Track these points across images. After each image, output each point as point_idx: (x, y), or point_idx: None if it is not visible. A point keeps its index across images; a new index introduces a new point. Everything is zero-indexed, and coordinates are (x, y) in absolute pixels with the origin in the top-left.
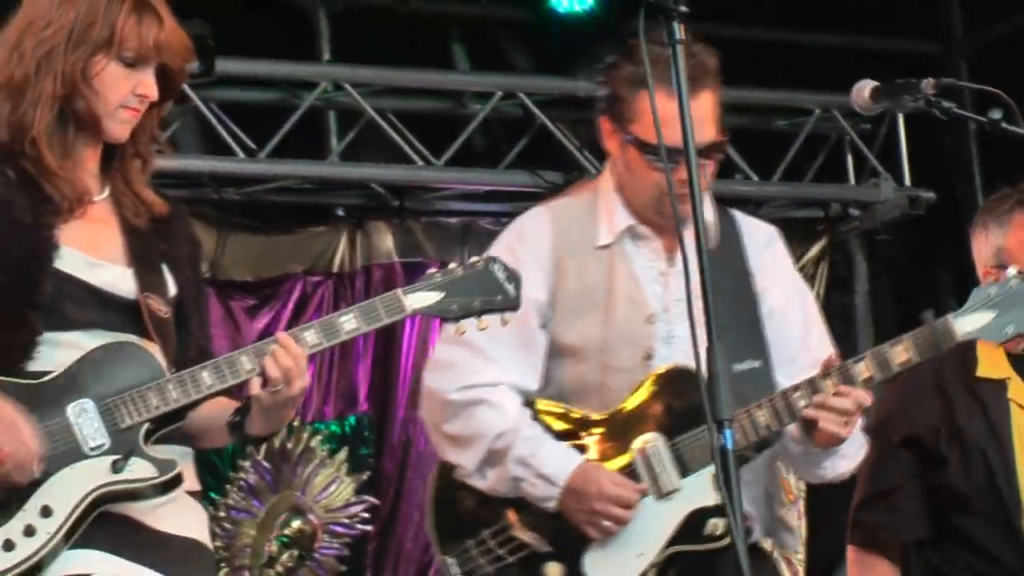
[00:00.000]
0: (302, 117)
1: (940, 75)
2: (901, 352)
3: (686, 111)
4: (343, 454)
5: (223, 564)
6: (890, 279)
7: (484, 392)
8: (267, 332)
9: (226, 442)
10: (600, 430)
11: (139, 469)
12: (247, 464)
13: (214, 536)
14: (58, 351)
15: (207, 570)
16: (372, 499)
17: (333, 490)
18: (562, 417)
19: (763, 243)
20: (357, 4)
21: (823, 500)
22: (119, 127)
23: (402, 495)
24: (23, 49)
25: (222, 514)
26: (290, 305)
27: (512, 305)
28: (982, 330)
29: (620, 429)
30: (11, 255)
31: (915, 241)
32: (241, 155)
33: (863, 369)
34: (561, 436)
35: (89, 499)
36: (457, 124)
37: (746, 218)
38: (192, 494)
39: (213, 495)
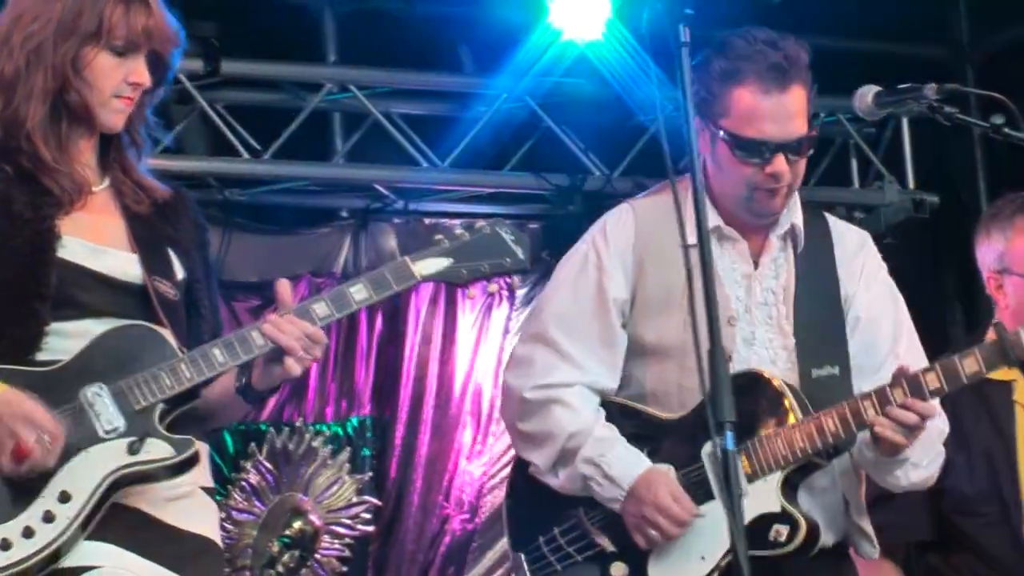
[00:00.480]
0: (307, 119)
1: (947, 80)
2: (972, 363)
3: (690, 117)
4: (345, 455)
5: (225, 565)
6: (895, 282)
7: (559, 392)
8: None
9: (243, 410)
10: (672, 432)
11: (156, 450)
12: (249, 465)
13: None
14: (68, 341)
15: (216, 569)
16: (374, 500)
17: (335, 491)
18: (635, 417)
19: (854, 248)
20: (363, 6)
21: None
22: (113, 117)
23: (404, 496)
24: (12, 44)
25: (223, 515)
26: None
27: (521, 267)
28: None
29: (691, 432)
30: (14, 250)
31: (920, 245)
32: (246, 156)
33: (932, 380)
34: (633, 437)
35: (107, 483)
36: (462, 126)
37: (838, 222)
38: (206, 490)
39: (215, 495)
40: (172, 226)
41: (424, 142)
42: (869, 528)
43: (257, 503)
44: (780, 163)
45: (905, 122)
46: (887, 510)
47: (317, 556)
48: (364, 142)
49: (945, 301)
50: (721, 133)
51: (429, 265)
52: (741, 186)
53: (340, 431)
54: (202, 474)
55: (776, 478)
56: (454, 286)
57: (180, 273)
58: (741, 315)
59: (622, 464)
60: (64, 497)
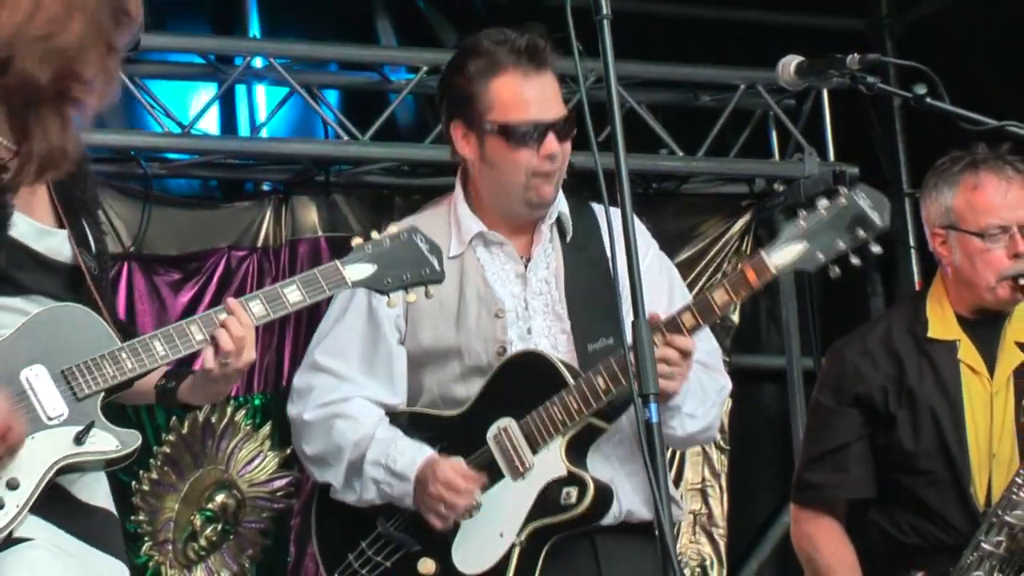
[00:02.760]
0: (228, 91)
1: (866, 52)
2: (721, 295)
3: (613, 86)
4: (267, 428)
5: (147, 538)
6: None
7: (339, 407)
8: (192, 306)
9: (149, 402)
10: (458, 426)
11: (102, 442)
12: (171, 438)
13: (138, 510)
14: (2, 315)
15: (120, 539)
16: (296, 473)
17: (257, 464)
18: (423, 422)
19: (619, 230)
20: None
21: (746, 468)
22: None
23: None
24: None
25: (146, 488)
26: (215, 279)
27: (437, 278)
28: (795, 261)
29: (476, 421)
30: None
31: None
32: (167, 129)
33: (688, 318)
34: (425, 440)
35: (53, 470)
36: (383, 99)
37: (602, 208)
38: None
39: (136, 468)
40: (80, 188)
41: (345, 115)
42: (672, 490)
43: (179, 476)
44: (552, 143)
45: (825, 94)
46: (828, 468)
47: (239, 529)
48: (285, 115)
49: (865, 272)
50: (489, 127)
51: (358, 271)
52: (520, 175)
53: (263, 404)
54: None
55: (558, 444)
56: (379, 293)
57: (94, 243)
58: (519, 312)
59: (404, 458)
60: (12, 484)
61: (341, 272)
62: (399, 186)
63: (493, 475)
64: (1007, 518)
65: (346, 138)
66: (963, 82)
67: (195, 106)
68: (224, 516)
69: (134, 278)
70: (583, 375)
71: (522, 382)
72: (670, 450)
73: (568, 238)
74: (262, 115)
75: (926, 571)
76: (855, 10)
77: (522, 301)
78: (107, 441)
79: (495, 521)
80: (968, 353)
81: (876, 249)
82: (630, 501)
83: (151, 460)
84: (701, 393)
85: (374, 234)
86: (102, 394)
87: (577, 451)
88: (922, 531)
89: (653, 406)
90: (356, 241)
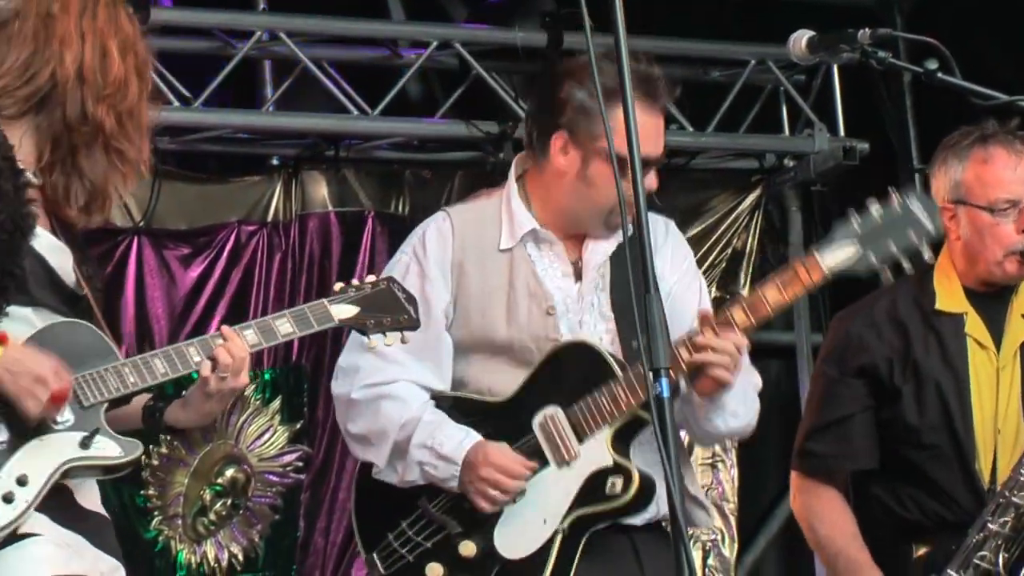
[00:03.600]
0: (237, 66)
1: (876, 27)
2: (774, 293)
3: (625, 64)
4: (277, 403)
5: (156, 512)
6: (824, 229)
7: (386, 388)
8: (201, 281)
9: (136, 426)
10: (503, 413)
11: (106, 448)
12: None
13: (147, 485)
14: (12, 324)
15: (115, 542)
16: (306, 448)
17: (266, 439)
18: (467, 406)
19: (661, 236)
20: None
21: (756, 443)
22: None
23: (335, 445)
24: None
25: (155, 463)
26: (224, 254)
27: (413, 326)
28: (847, 261)
29: (521, 408)
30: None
31: (849, 192)
32: (176, 104)
33: (739, 315)
34: (469, 425)
35: (60, 471)
36: (392, 74)
37: (658, 217)
38: None
39: (146, 443)
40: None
41: (354, 90)
42: (701, 495)
43: (188, 451)
44: (652, 180)
45: (835, 69)
46: (831, 438)
47: (249, 504)
48: (294, 89)
49: None
50: (601, 150)
51: (344, 310)
52: (612, 200)
53: (272, 379)
54: None
55: (605, 434)
56: (360, 334)
57: (86, 269)
58: (570, 306)
59: (452, 441)
60: (22, 480)
61: (328, 310)
62: (408, 161)
63: (540, 462)
64: (1015, 499)
65: (356, 113)
66: (971, 57)
67: (203, 81)
68: (234, 491)
69: (144, 253)
70: (631, 366)
71: (570, 371)
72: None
73: (620, 241)
74: (271, 90)
75: (929, 547)
76: None
77: (572, 295)
78: (111, 448)
79: (539, 508)
80: (975, 327)
81: (928, 255)
82: (665, 504)
83: (161, 435)
84: (742, 392)
85: (354, 281)
86: (106, 404)
87: (623, 442)
88: (925, 507)
89: (663, 381)
90: (338, 285)
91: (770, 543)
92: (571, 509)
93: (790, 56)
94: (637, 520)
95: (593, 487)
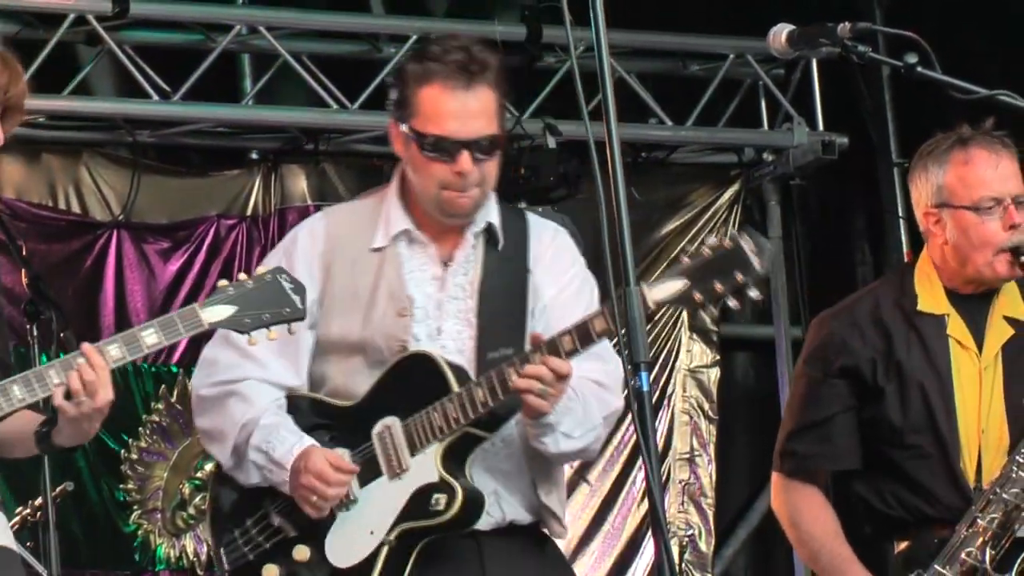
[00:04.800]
0: (217, 60)
1: (856, 21)
2: (600, 323)
3: (605, 57)
4: None
5: (136, 507)
6: (804, 224)
7: (233, 386)
8: (181, 275)
9: (34, 453)
10: (349, 418)
11: None
12: (160, 407)
13: (127, 479)
14: None
15: (17, 571)
16: None
17: None
18: (321, 408)
19: (547, 243)
20: None
21: (734, 438)
22: None
23: None
24: None
25: (135, 456)
26: (204, 248)
27: (298, 316)
28: (672, 296)
29: (366, 415)
30: None
31: (828, 186)
32: (155, 98)
33: (567, 342)
34: (319, 427)
35: None
36: (372, 68)
37: (536, 218)
38: None
39: (126, 437)
40: None
41: (334, 84)
42: (556, 507)
43: (168, 445)
44: (465, 161)
45: (814, 63)
46: (813, 438)
47: None
48: (273, 83)
49: (854, 242)
50: (410, 132)
51: (217, 312)
52: (432, 185)
53: None
54: None
55: (434, 449)
56: (239, 333)
57: None
58: (430, 311)
59: (284, 446)
60: None
61: (198, 314)
62: (388, 155)
63: (374, 472)
64: (1004, 495)
65: (335, 107)
66: (951, 51)
67: (183, 74)
68: None
69: (123, 247)
70: (467, 384)
71: (411, 382)
72: (664, 422)
73: (498, 247)
74: (250, 84)
75: (910, 542)
76: None
77: (434, 302)
78: None
79: (368, 518)
80: (957, 328)
81: (754, 294)
82: (514, 511)
83: (140, 429)
84: (583, 415)
85: (241, 276)
86: None
87: (455, 458)
88: (907, 504)
89: (644, 375)
90: (221, 283)
91: (749, 535)
92: (397, 522)
93: (769, 50)
94: (481, 526)
95: (418, 502)
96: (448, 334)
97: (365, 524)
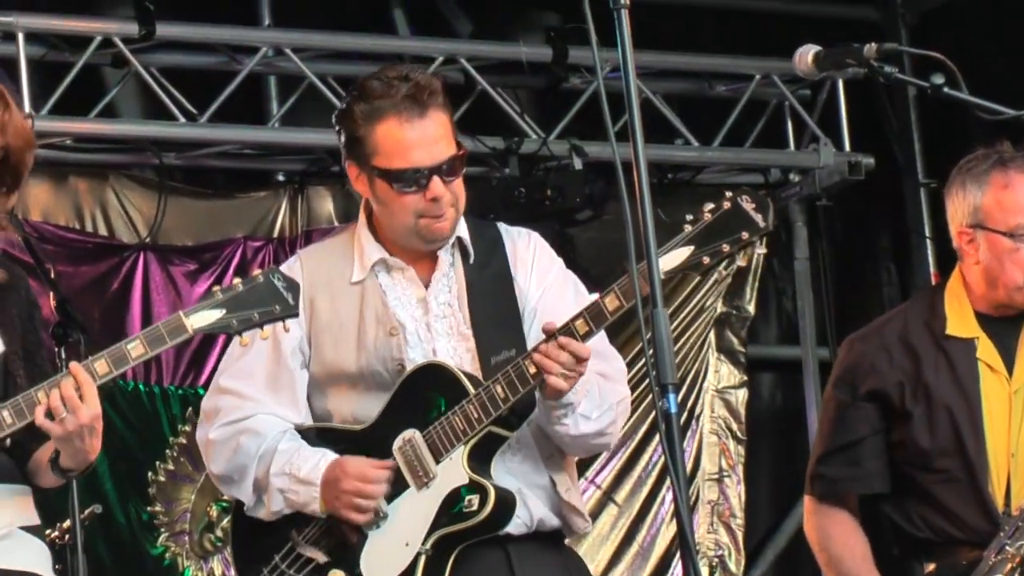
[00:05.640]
0: (243, 82)
1: (880, 41)
2: (612, 300)
3: (631, 77)
4: None
5: (163, 529)
6: (830, 244)
7: (243, 424)
8: None
9: (55, 482)
10: (364, 440)
11: None
12: (187, 429)
13: (154, 501)
14: None
15: None
16: None
17: None
18: (330, 435)
19: (523, 248)
20: None
21: (762, 458)
22: None
23: None
24: None
25: (162, 479)
26: (231, 270)
27: (291, 313)
28: (682, 264)
29: (382, 433)
30: None
31: (855, 206)
32: (182, 120)
33: (580, 325)
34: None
35: None
36: None
37: (510, 228)
38: (31, 529)
39: (154, 459)
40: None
41: None
42: (577, 502)
43: (195, 467)
44: (437, 186)
45: (841, 83)
46: (842, 462)
47: None
48: (299, 105)
49: (880, 262)
50: (376, 172)
51: (202, 318)
52: (408, 216)
53: None
54: (18, 516)
55: (460, 452)
56: (228, 335)
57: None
58: (421, 334)
59: (308, 464)
60: None
61: (183, 321)
62: None
63: (399, 486)
64: None
65: None
66: (976, 71)
67: (209, 96)
68: None
69: (150, 269)
70: (483, 384)
71: (425, 394)
72: (692, 442)
73: (471, 259)
74: (276, 105)
75: (937, 563)
76: None
77: (423, 324)
78: None
79: (401, 531)
80: (986, 351)
81: (761, 250)
82: (540, 510)
83: (167, 451)
84: (599, 397)
85: (236, 280)
86: None
87: (480, 459)
88: (934, 526)
89: (671, 396)
90: (214, 288)
91: (778, 556)
92: (432, 530)
93: (795, 71)
94: (511, 530)
95: (451, 506)
96: (444, 353)
97: (399, 537)
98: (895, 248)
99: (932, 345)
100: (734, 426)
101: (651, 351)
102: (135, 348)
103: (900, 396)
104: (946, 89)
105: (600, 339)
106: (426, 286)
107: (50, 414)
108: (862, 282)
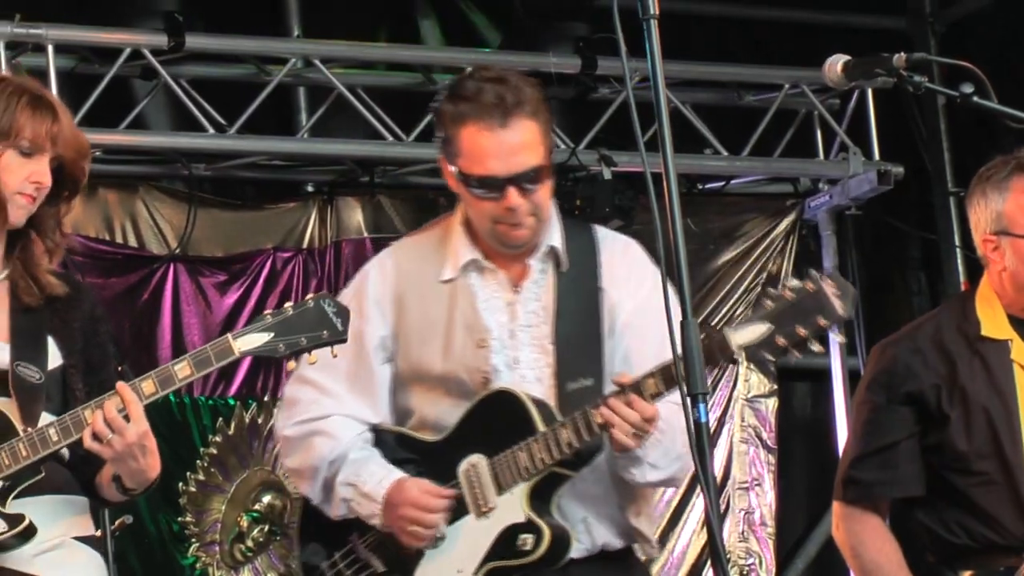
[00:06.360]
0: (272, 93)
1: (909, 51)
2: (651, 385)
3: (660, 88)
4: None
5: (194, 539)
6: (859, 253)
7: (318, 424)
8: (237, 308)
9: (121, 498)
10: (435, 454)
11: None
12: (218, 439)
13: (184, 511)
14: None
15: None
16: None
17: None
18: (407, 443)
19: (619, 257)
20: None
21: (792, 467)
22: (16, 212)
23: None
24: None
25: (193, 489)
26: (260, 281)
27: (339, 338)
28: (756, 340)
29: (451, 453)
30: None
31: (884, 215)
32: (211, 131)
33: (650, 384)
34: (405, 462)
35: None
36: (427, 100)
37: (607, 233)
38: (86, 539)
39: (184, 470)
40: (60, 317)
41: (389, 116)
42: (645, 528)
43: (225, 478)
44: (513, 197)
45: (870, 93)
46: (877, 465)
47: (287, 530)
48: (329, 116)
49: (910, 271)
50: (459, 173)
51: (249, 341)
52: (484, 220)
53: None
54: (73, 527)
55: (521, 489)
56: (273, 360)
57: (56, 360)
58: (505, 340)
59: (373, 480)
60: None
61: (230, 344)
62: (443, 187)
63: (460, 509)
64: None
65: (390, 139)
66: (1005, 80)
67: (239, 107)
68: (271, 517)
69: (180, 280)
70: (553, 424)
71: (496, 420)
72: (723, 450)
73: (563, 267)
74: (305, 116)
75: (975, 570)
76: (898, 9)
77: (508, 331)
78: None
79: (456, 556)
80: (1021, 352)
81: (840, 339)
82: (604, 536)
83: (198, 461)
84: (670, 445)
85: (287, 304)
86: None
87: (541, 497)
88: (972, 531)
89: (702, 406)
90: (265, 313)
91: (808, 566)
92: (484, 561)
93: (824, 80)
94: (572, 554)
95: (505, 542)
96: (526, 363)
97: (453, 562)
98: (925, 257)
99: (967, 348)
100: (764, 435)
101: (682, 362)
102: (182, 369)
103: (937, 399)
104: (975, 98)
105: None
106: (516, 291)
107: (97, 436)
108: (891, 291)
